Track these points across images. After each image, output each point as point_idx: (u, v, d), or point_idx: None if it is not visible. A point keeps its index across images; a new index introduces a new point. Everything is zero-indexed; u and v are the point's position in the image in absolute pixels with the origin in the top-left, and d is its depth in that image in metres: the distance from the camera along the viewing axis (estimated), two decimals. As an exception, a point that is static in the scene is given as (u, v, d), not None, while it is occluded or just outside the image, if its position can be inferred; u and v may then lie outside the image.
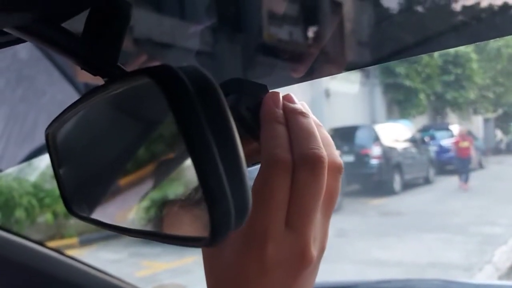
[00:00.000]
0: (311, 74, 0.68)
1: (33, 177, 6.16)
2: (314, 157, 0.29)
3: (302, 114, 0.31)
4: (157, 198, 0.31)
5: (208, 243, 0.25)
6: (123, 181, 0.36)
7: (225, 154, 0.24)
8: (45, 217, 5.95)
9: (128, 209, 0.35)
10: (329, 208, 0.31)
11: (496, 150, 20.61)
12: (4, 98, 0.87)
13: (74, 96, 0.80)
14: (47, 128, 0.37)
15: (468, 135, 11.89)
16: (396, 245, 5.84)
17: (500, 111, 21.86)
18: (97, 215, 0.37)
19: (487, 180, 11.31)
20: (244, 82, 0.32)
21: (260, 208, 0.28)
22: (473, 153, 11.23)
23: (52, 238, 5.58)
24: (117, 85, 0.29)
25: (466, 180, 10.24)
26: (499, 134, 22.75)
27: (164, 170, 0.30)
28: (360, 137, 10.56)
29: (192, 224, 0.27)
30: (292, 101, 0.31)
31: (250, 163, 0.32)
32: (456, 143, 11.58)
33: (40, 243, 1.02)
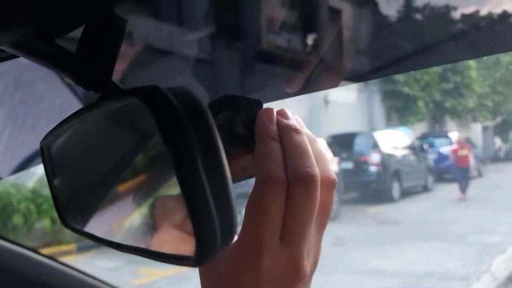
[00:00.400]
0: (305, 89, 0.68)
1: (31, 182, 6.15)
2: (307, 176, 0.29)
3: (296, 130, 0.31)
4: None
5: (194, 264, 0.25)
6: (115, 195, 0.36)
7: (212, 175, 0.25)
8: (43, 223, 5.93)
9: (119, 223, 0.36)
10: (323, 223, 0.32)
11: (495, 158, 20.64)
12: (3, 103, 0.87)
13: (73, 102, 0.80)
14: (42, 140, 0.37)
15: (466, 143, 11.70)
16: (394, 254, 5.82)
17: (499, 119, 21.94)
18: (90, 228, 0.37)
19: (485, 188, 11.31)
20: (239, 98, 0.33)
21: (256, 222, 0.29)
22: (472, 161, 11.00)
23: (49, 244, 5.56)
24: (110, 103, 0.30)
25: (465, 189, 10.03)
26: (498, 142, 22.81)
27: (155, 185, 0.31)
28: (359, 144, 10.58)
29: (180, 242, 0.27)
30: (286, 117, 0.32)
31: (245, 176, 0.33)
32: (455, 151, 11.25)
33: (34, 250, 1.01)
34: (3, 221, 5.57)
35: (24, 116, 0.91)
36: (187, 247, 0.26)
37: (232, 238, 0.26)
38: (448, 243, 6.19)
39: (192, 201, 0.24)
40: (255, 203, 0.29)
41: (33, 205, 5.85)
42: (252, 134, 0.31)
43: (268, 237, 0.29)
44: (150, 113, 0.25)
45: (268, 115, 0.31)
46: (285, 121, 0.32)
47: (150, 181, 0.31)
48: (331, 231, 6.88)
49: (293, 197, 0.29)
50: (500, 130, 22.42)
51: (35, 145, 0.92)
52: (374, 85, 14.93)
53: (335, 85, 0.74)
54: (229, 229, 0.25)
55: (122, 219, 0.37)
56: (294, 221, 0.29)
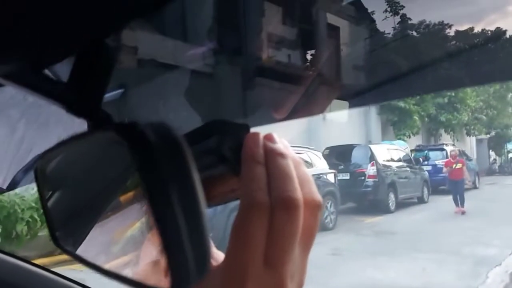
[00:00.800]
0: (293, 114, 0.70)
1: (34, 192, 6.12)
2: (289, 200, 0.30)
3: (281, 154, 0.32)
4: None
5: None
6: (104, 220, 0.38)
7: (187, 211, 0.26)
8: (46, 232, 5.87)
9: (108, 249, 0.38)
10: (308, 244, 0.32)
11: (490, 171, 20.73)
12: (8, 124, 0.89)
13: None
14: (35, 163, 0.38)
15: (460, 156, 11.47)
16: (390, 264, 5.82)
17: (493, 133, 22.09)
18: (80, 251, 0.39)
19: (480, 200, 11.35)
20: (227, 123, 0.34)
21: (240, 247, 0.30)
22: (466, 175, 10.71)
23: (52, 252, 5.51)
24: (96, 135, 0.32)
25: (462, 203, 9.90)
26: (492, 155, 22.91)
27: (137, 213, 0.32)
28: (356, 156, 10.62)
29: (158, 272, 0.29)
30: (273, 141, 0.32)
31: (233, 197, 0.34)
32: (449, 164, 10.99)
33: (28, 261, 1.00)
34: (7, 229, 5.53)
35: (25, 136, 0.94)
36: (162, 279, 0.27)
37: (206, 271, 0.27)
38: (444, 254, 6.20)
39: (165, 237, 0.25)
40: (239, 228, 0.30)
41: (36, 214, 5.82)
42: (238, 158, 0.31)
43: (251, 262, 0.29)
44: (127, 149, 0.26)
45: (254, 140, 0.32)
46: (271, 145, 0.32)
47: (136, 209, 0.33)
48: (328, 241, 6.79)
49: (276, 221, 0.30)
50: (494, 143, 22.56)
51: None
52: (370, 100, 14.97)
53: (321, 111, 0.75)
54: (203, 264, 0.26)
55: (111, 245, 0.39)
56: (277, 244, 0.30)
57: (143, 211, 0.29)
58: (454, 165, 10.59)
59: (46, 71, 0.31)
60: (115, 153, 0.31)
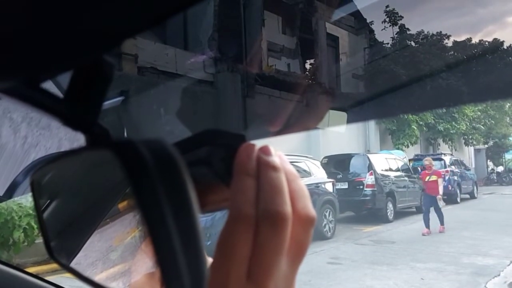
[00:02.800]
0: (287, 129, 0.71)
1: (32, 199, 6.09)
2: (275, 214, 0.29)
3: (273, 168, 0.31)
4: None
5: None
6: (98, 234, 0.39)
7: (183, 228, 0.26)
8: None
9: (100, 263, 0.38)
10: (297, 260, 0.31)
11: (488, 181, 20.72)
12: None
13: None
14: (32, 175, 0.38)
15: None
16: (389, 274, 5.79)
17: (491, 142, 22.13)
18: (74, 264, 0.39)
19: (479, 210, 11.33)
20: (220, 133, 0.33)
21: (223, 262, 0.29)
22: (441, 189, 8.82)
23: (49, 260, 5.48)
24: (91, 152, 0.33)
25: (442, 220, 8.73)
26: (490, 165, 22.94)
27: (135, 220, 0.32)
28: (354, 165, 10.62)
29: (154, 285, 0.29)
30: (268, 153, 0.31)
31: (225, 206, 0.34)
32: (423, 176, 9.27)
33: (20, 269, 0.99)
34: (4, 236, 5.50)
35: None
36: None
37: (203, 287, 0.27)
38: (443, 264, 6.17)
39: (160, 255, 0.25)
40: (223, 240, 0.29)
41: (33, 221, 5.80)
42: (230, 169, 0.31)
43: (234, 277, 0.29)
44: (122, 167, 0.26)
45: (247, 151, 0.31)
46: (264, 157, 0.31)
47: (130, 224, 0.34)
48: (327, 250, 6.73)
49: (260, 235, 0.29)
50: (493, 153, 22.59)
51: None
52: (369, 108, 15.06)
53: (314, 125, 0.75)
54: (199, 281, 0.26)
55: (104, 259, 0.39)
56: (260, 259, 0.29)
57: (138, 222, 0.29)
58: (427, 178, 8.96)
59: (43, 85, 0.31)
60: (110, 169, 0.31)
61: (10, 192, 1.08)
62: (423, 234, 8.44)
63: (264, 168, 0.31)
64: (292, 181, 0.31)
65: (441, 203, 8.74)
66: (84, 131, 0.33)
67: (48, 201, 0.40)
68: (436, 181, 8.83)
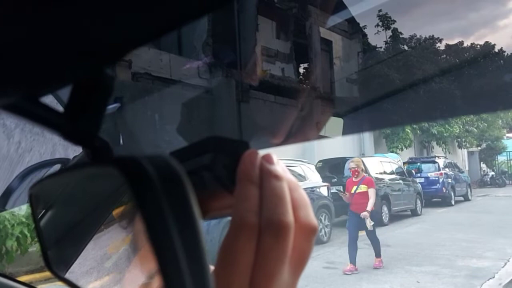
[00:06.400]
0: (288, 139, 0.71)
1: (25, 207, 6.06)
2: (278, 224, 0.29)
3: (276, 176, 0.31)
4: None
5: None
6: (91, 241, 0.39)
7: (187, 246, 0.26)
8: (37, 247, 5.82)
9: (96, 276, 0.38)
10: (299, 268, 0.31)
11: (482, 183, 20.86)
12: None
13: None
14: (30, 188, 0.38)
15: (361, 170, 6.36)
16: (385, 277, 5.80)
17: (484, 145, 22.31)
18: (70, 276, 0.39)
19: (473, 213, 11.40)
20: (224, 139, 0.33)
21: (225, 269, 0.29)
22: (371, 203, 6.08)
23: (42, 268, 5.43)
24: (93, 167, 0.33)
25: (378, 251, 6.31)
26: (483, 167, 23.11)
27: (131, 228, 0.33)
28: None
29: None
30: (270, 161, 0.32)
31: (226, 215, 0.34)
32: (348, 185, 6.37)
33: (12, 278, 0.99)
34: (-3, 245, 5.47)
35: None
36: None
37: None
38: (438, 267, 6.19)
39: (166, 275, 0.25)
40: (226, 249, 0.30)
41: (26, 230, 5.75)
42: (233, 177, 0.31)
43: (236, 285, 0.29)
44: (126, 184, 0.26)
45: (251, 159, 0.31)
46: (267, 166, 0.31)
47: (125, 231, 0.34)
48: (323, 254, 6.73)
49: (263, 244, 0.29)
50: (486, 155, 22.77)
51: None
52: (363, 113, 15.12)
53: (314, 135, 0.76)
54: None
55: (99, 267, 0.39)
56: (263, 268, 0.29)
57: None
58: (354, 188, 6.17)
59: (42, 99, 0.31)
60: (107, 181, 0.31)
61: (5, 198, 1.07)
62: (345, 273, 6.00)
63: (267, 176, 0.31)
64: (293, 190, 0.32)
65: (368, 223, 6.05)
66: (84, 145, 0.33)
67: (44, 211, 0.40)
68: (366, 193, 6.10)
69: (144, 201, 0.26)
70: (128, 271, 0.34)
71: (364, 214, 5.99)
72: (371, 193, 6.11)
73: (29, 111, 0.31)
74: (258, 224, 0.29)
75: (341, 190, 7.04)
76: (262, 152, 0.33)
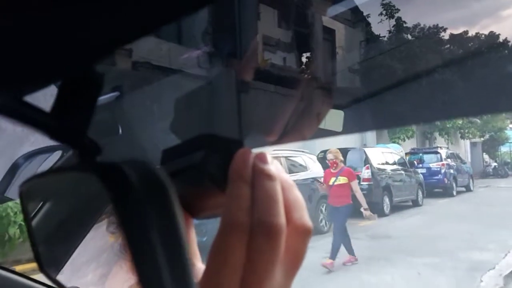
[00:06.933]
0: (283, 137, 0.69)
1: None
2: (269, 225, 0.29)
3: (269, 176, 0.30)
4: None
5: None
6: (91, 231, 0.38)
7: (171, 253, 0.25)
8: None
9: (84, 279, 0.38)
10: (293, 270, 0.31)
11: (484, 174, 20.87)
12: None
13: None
14: (21, 185, 0.38)
15: (339, 161, 6.05)
16: (386, 269, 5.82)
17: (487, 136, 22.26)
18: (61, 277, 0.39)
19: (475, 204, 11.41)
20: (217, 138, 0.32)
21: (215, 269, 0.29)
22: (361, 197, 5.83)
23: None
24: (79, 172, 0.31)
25: (349, 249, 5.96)
26: (486, 158, 23.09)
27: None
28: (351, 159, 10.64)
29: None
30: (264, 161, 0.31)
31: (219, 215, 0.33)
32: (326, 176, 6.18)
33: (7, 269, 0.99)
34: (-1, 232, 5.54)
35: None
36: None
37: None
38: (439, 258, 6.21)
39: (145, 280, 0.24)
40: (216, 248, 0.29)
41: (29, 217, 5.83)
42: (225, 175, 0.30)
43: (226, 285, 0.29)
44: (106, 191, 0.25)
45: (244, 158, 0.30)
46: (260, 165, 0.30)
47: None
48: (323, 244, 6.73)
49: (254, 245, 0.29)
50: (488, 146, 22.73)
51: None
52: (364, 103, 15.07)
53: (310, 133, 0.74)
54: None
55: (98, 258, 0.39)
56: (253, 270, 0.29)
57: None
58: (332, 180, 5.85)
59: (28, 99, 0.30)
60: (97, 189, 0.30)
61: (3, 185, 1.06)
62: (345, 264, 5.84)
63: (259, 176, 0.30)
64: (288, 191, 0.31)
65: (368, 214, 5.90)
66: (72, 144, 0.32)
67: (36, 210, 0.40)
68: (346, 186, 5.72)
69: (124, 210, 0.25)
70: (112, 274, 0.34)
71: (365, 214, 5.90)
72: (355, 186, 5.84)
73: (14, 111, 0.30)
74: (249, 224, 0.29)
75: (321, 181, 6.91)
76: (261, 149, 0.32)
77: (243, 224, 0.29)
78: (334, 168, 5.91)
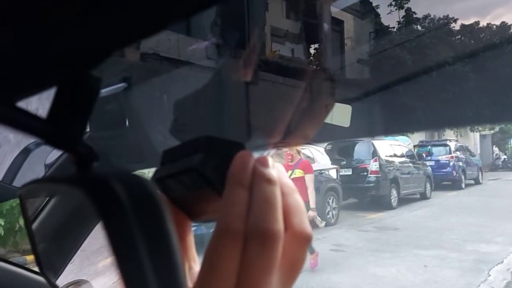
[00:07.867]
0: (285, 138, 0.68)
1: None
2: (265, 232, 0.28)
3: (268, 181, 0.29)
4: None
5: None
6: (90, 238, 0.39)
7: (161, 268, 0.24)
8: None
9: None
10: (291, 278, 0.30)
11: (493, 166, 20.68)
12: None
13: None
14: (20, 188, 0.38)
15: (296, 154, 5.37)
16: (392, 261, 5.82)
17: (496, 128, 22.02)
18: (80, 251, 0.40)
19: (484, 196, 11.32)
20: (216, 140, 0.31)
21: (208, 276, 0.28)
22: (311, 195, 4.99)
23: None
24: (64, 184, 0.31)
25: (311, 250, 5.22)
26: (496, 151, 22.86)
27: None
28: (358, 151, 10.60)
29: None
30: (265, 164, 0.30)
31: (215, 219, 0.33)
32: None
33: (9, 261, 0.99)
34: (10, 222, 5.62)
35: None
36: None
37: None
38: (446, 251, 6.19)
39: None
40: (209, 254, 0.28)
41: (38, 207, 5.93)
42: (223, 179, 0.29)
43: None
44: (93, 206, 0.25)
45: (243, 161, 0.29)
46: (260, 169, 0.29)
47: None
48: (330, 236, 6.74)
49: (248, 253, 0.28)
50: (498, 139, 22.49)
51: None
52: (374, 95, 14.96)
53: (312, 134, 0.73)
54: None
55: (97, 265, 0.40)
56: (247, 277, 0.28)
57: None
58: (289, 173, 5.06)
59: (23, 104, 0.29)
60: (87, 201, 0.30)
61: (11, 174, 1.07)
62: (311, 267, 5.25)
63: (258, 180, 0.29)
64: (288, 195, 0.30)
65: (318, 222, 5.42)
66: (67, 150, 0.31)
67: (36, 214, 0.41)
68: (302, 179, 5.02)
69: (112, 229, 0.24)
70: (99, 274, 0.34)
71: (309, 215, 4.79)
72: (309, 180, 5.01)
73: (8, 117, 0.29)
74: (244, 231, 0.28)
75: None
76: (263, 149, 0.31)
77: (237, 231, 0.28)
78: (291, 160, 5.24)
